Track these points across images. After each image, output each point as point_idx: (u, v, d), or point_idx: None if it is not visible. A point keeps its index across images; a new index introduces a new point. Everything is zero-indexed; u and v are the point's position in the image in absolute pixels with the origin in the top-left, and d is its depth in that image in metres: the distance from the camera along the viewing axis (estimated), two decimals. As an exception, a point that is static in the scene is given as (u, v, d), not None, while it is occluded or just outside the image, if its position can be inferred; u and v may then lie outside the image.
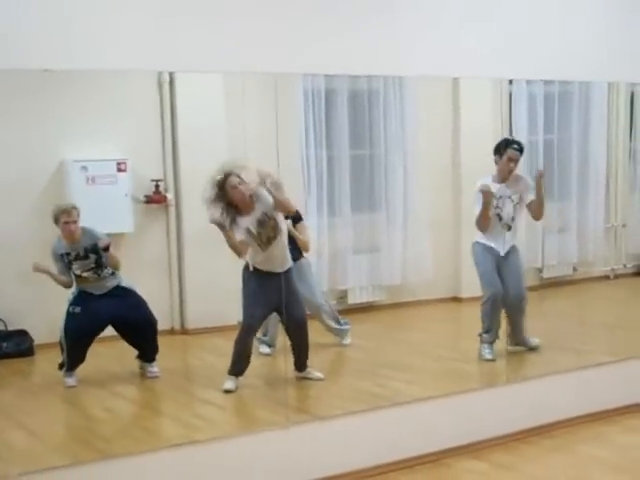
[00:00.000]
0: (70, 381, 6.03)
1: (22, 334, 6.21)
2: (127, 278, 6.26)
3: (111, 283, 6.23)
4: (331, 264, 7.66)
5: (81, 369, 6.08)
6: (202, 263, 6.62)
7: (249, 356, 6.22)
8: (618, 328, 7.78)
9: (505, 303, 6.88)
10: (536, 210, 7.04)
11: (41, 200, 6.11)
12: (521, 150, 6.95)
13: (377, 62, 5.75)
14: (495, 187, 6.86)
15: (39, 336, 6.19)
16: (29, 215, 6.09)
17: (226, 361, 6.15)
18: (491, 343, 6.84)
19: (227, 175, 6.03)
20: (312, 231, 7.44)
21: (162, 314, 6.61)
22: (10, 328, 6.19)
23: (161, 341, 6.49)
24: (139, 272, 6.46)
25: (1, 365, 6.15)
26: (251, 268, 6.21)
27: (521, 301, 6.98)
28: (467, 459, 5.80)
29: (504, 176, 6.89)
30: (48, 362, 6.09)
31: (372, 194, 7.91)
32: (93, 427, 5.66)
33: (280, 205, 6.03)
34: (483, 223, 6.84)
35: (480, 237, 6.93)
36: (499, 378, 6.43)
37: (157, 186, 6.60)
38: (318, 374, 6.38)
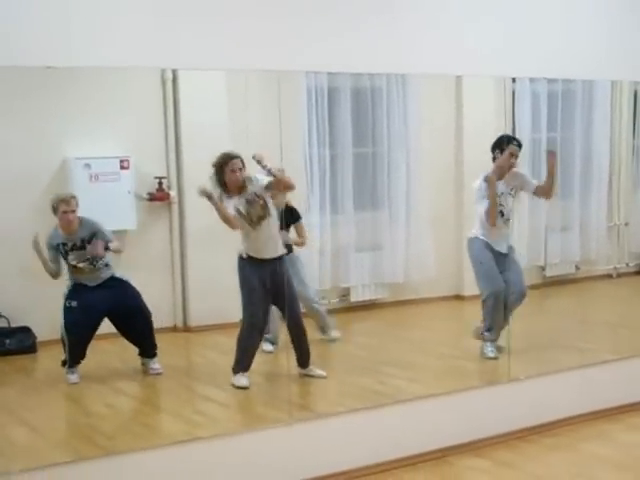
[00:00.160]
0: (72, 378, 6.03)
1: (25, 331, 6.22)
2: (130, 275, 6.26)
3: (105, 274, 6.24)
4: (334, 262, 7.67)
5: (83, 366, 6.09)
6: (205, 260, 6.62)
7: (254, 353, 6.23)
8: (621, 326, 7.77)
9: (507, 301, 6.88)
10: (548, 190, 7.13)
11: (44, 197, 6.10)
12: (520, 146, 6.98)
13: (380, 60, 5.74)
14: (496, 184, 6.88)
15: (42, 333, 6.20)
16: (32, 212, 6.09)
17: (229, 358, 6.16)
18: (493, 341, 6.84)
19: (232, 157, 6.06)
20: (315, 229, 7.48)
21: (165, 311, 6.63)
22: (13, 325, 6.20)
23: (164, 338, 6.50)
24: (142, 269, 6.47)
25: (4, 362, 6.16)
26: (244, 255, 6.21)
27: (523, 299, 6.98)
28: (469, 457, 5.80)
29: (503, 172, 6.90)
30: (51, 359, 6.09)
31: (375, 192, 7.91)
32: (95, 424, 5.66)
33: (280, 183, 6.07)
34: (492, 215, 6.84)
35: (480, 233, 6.92)
36: (501, 376, 6.42)
37: (160, 183, 6.60)
38: (320, 372, 6.38)
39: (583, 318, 8.29)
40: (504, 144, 6.87)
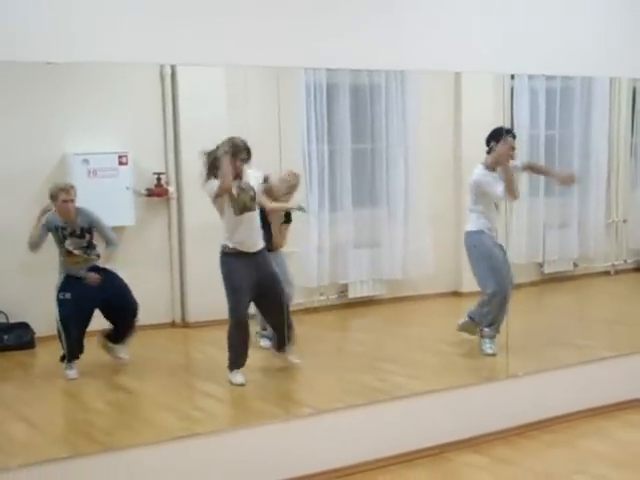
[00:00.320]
0: (71, 373, 6.03)
1: (23, 327, 6.21)
2: (128, 270, 6.26)
3: (92, 264, 6.24)
4: (332, 258, 7.66)
5: (82, 361, 6.09)
6: (203, 256, 6.61)
7: (247, 349, 6.23)
8: (619, 323, 7.78)
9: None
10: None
11: (43, 193, 6.09)
12: (514, 138, 7.07)
13: (379, 56, 5.74)
14: (492, 175, 6.89)
15: (40, 329, 6.19)
16: (31, 208, 6.07)
17: (227, 354, 6.16)
18: (492, 338, 6.85)
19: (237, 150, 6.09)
20: (313, 225, 7.47)
21: (163, 307, 6.64)
22: (11, 320, 6.19)
23: (162, 334, 6.52)
24: (140, 265, 6.47)
25: (2, 357, 6.15)
26: (228, 248, 6.18)
27: (511, 290, 7.00)
28: (468, 453, 5.81)
29: (500, 163, 6.90)
30: (49, 354, 6.09)
31: (373, 188, 7.91)
32: (93, 419, 5.67)
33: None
34: (512, 189, 6.90)
35: (485, 227, 6.91)
36: (499, 372, 6.43)
37: (159, 179, 6.60)
38: (296, 360, 6.40)
39: (581, 315, 8.31)
40: (502, 136, 6.89)
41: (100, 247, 6.25)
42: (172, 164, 6.68)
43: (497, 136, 6.91)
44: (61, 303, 6.05)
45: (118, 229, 6.36)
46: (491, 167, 6.91)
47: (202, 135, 6.53)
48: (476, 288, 7.01)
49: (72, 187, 6.07)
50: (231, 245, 6.18)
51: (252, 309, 6.39)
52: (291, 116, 7.04)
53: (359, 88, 7.67)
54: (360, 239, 7.84)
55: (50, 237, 6.08)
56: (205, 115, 6.58)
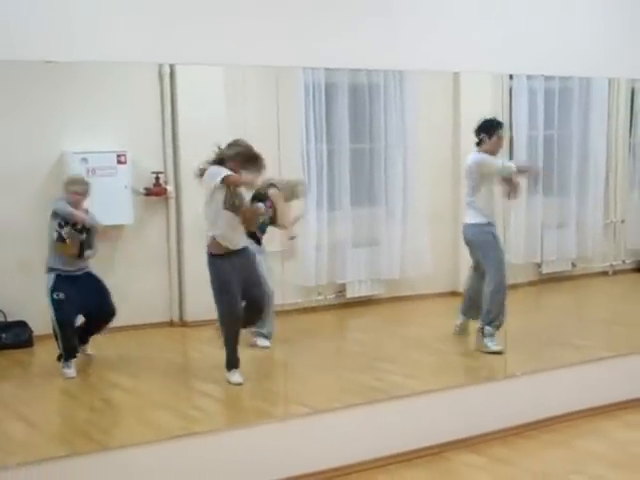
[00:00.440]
0: (69, 372, 6.03)
1: (21, 325, 6.20)
2: (126, 270, 6.28)
3: (84, 265, 6.24)
4: (330, 258, 7.66)
5: (80, 360, 6.09)
6: (201, 255, 6.55)
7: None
8: (617, 324, 7.78)
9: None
10: None
11: (41, 192, 6.10)
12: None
13: (378, 56, 5.75)
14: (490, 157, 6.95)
15: (38, 327, 6.18)
16: (29, 207, 6.07)
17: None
18: (494, 335, 6.84)
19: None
20: (311, 224, 7.47)
21: (161, 306, 6.63)
22: (9, 319, 6.18)
23: (160, 333, 6.52)
24: (138, 264, 6.47)
25: (0, 356, 6.14)
26: (217, 247, 6.19)
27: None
28: (466, 453, 5.82)
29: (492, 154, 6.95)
30: (47, 353, 6.09)
31: (372, 188, 7.90)
32: (91, 418, 5.67)
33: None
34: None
35: (488, 217, 6.93)
36: (497, 372, 6.43)
37: (157, 178, 6.59)
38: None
39: (579, 315, 8.31)
40: (493, 128, 6.91)
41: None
42: (171, 163, 6.67)
43: (487, 129, 6.93)
44: (56, 303, 6.04)
45: (116, 228, 6.36)
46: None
47: (201, 134, 6.53)
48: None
49: (88, 184, 6.09)
50: (222, 242, 6.19)
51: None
52: (290, 115, 7.04)
53: (358, 88, 7.67)
54: (358, 238, 7.84)
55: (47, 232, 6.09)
56: (204, 114, 6.57)
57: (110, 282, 6.23)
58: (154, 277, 6.65)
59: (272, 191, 6.62)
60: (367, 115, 7.79)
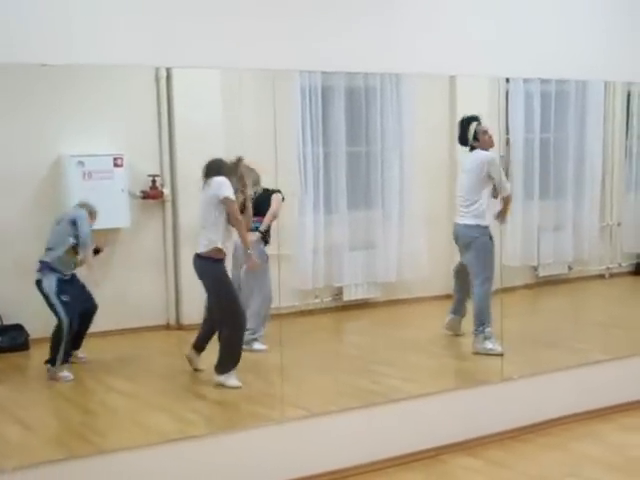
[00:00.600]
0: (67, 375, 6.02)
1: (17, 328, 6.19)
2: (123, 272, 6.28)
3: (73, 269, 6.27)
4: (327, 261, 7.66)
5: (76, 363, 6.09)
6: (198, 259, 6.60)
7: None
8: (613, 327, 7.79)
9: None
10: None
11: (38, 195, 6.11)
12: None
13: (375, 59, 5.76)
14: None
15: (34, 330, 6.18)
16: (26, 210, 6.07)
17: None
18: (492, 337, 6.84)
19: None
20: (308, 227, 7.47)
21: (158, 309, 6.62)
22: (6, 322, 6.18)
23: (156, 336, 6.52)
24: (135, 267, 6.47)
25: (-4, 359, 6.16)
26: (219, 252, 6.21)
27: None
28: (462, 456, 5.82)
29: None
30: (43, 356, 6.06)
31: (368, 191, 7.91)
32: (88, 421, 5.67)
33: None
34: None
35: (488, 220, 6.95)
36: (494, 375, 6.43)
37: (154, 181, 6.59)
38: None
39: (576, 318, 8.31)
40: (475, 126, 6.93)
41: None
42: (167, 166, 6.67)
43: (469, 129, 6.95)
44: (65, 305, 6.03)
45: (113, 231, 6.36)
46: None
47: (197, 137, 6.55)
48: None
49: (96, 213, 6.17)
50: (217, 247, 6.20)
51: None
52: (286, 118, 7.04)
53: (354, 91, 7.67)
54: (355, 242, 7.84)
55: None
56: (200, 117, 6.58)
57: (107, 285, 6.25)
58: (151, 280, 6.65)
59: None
60: (363, 118, 7.80)
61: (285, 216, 6.91)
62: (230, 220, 6.17)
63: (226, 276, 6.27)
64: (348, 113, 7.66)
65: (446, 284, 7.87)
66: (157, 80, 6.57)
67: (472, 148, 6.99)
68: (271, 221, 6.69)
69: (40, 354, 6.14)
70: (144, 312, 6.49)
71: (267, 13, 5.28)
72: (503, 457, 5.82)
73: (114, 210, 6.44)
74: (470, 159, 7.03)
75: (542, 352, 7.03)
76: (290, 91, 7.17)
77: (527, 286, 8.30)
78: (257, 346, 6.73)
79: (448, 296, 7.84)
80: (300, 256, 7.44)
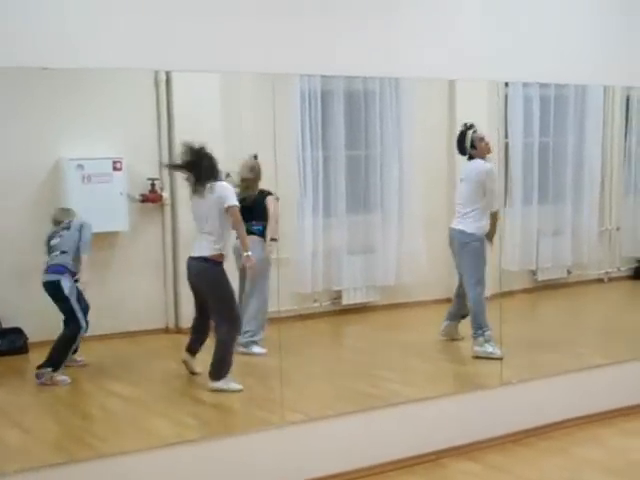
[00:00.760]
0: (66, 378, 6.01)
1: (16, 332, 6.19)
2: (122, 277, 6.28)
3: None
4: (326, 264, 7.65)
5: (74, 367, 6.08)
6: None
7: None
8: (613, 331, 7.79)
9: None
10: None
11: (37, 198, 6.10)
12: None
13: (374, 64, 5.76)
14: None
15: (33, 334, 6.17)
16: (25, 213, 6.06)
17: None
18: (491, 340, 6.83)
19: None
20: (307, 231, 7.47)
21: (156, 313, 6.61)
22: (4, 325, 6.17)
23: (155, 340, 6.50)
24: (134, 271, 6.46)
25: (-5, 363, 6.15)
26: (221, 258, 6.23)
27: None
28: (462, 460, 5.81)
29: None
30: (42, 360, 6.05)
31: (367, 195, 7.90)
32: (87, 425, 5.66)
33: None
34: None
35: (484, 229, 6.94)
36: (494, 380, 6.42)
37: (153, 185, 6.58)
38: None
39: (575, 322, 8.31)
40: (471, 134, 6.96)
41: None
42: (166, 170, 6.66)
43: (466, 139, 6.97)
44: (82, 310, 6.04)
45: (112, 235, 6.36)
46: None
47: (197, 141, 6.52)
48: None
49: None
50: (221, 252, 6.20)
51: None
52: (286, 122, 7.02)
53: (353, 94, 7.67)
54: (354, 245, 7.84)
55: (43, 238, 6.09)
56: (199, 121, 6.56)
57: (105, 289, 6.23)
58: (149, 284, 6.64)
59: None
60: (363, 122, 7.79)
61: (284, 220, 6.90)
62: (233, 226, 6.19)
63: (225, 278, 6.25)
64: (347, 117, 7.66)
65: (445, 288, 7.87)
66: (157, 84, 6.56)
67: (470, 157, 7.00)
68: (276, 224, 6.69)
69: (39, 357, 6.13)
70: (143, 315, 6.48)
71: (267, 17, 5.28)
72: (503, 461, 5.81)
73: (113, 214, 6.44)
74: (469, 168, 7.05)
75: (541, 356, 7.03)
76: (290, 95, 7.17)
77: (526, 290, 8.30)
78: (256, 350, 6.73)
79: (447, 300, 7.84)
80: (299, 260, 7.44)
